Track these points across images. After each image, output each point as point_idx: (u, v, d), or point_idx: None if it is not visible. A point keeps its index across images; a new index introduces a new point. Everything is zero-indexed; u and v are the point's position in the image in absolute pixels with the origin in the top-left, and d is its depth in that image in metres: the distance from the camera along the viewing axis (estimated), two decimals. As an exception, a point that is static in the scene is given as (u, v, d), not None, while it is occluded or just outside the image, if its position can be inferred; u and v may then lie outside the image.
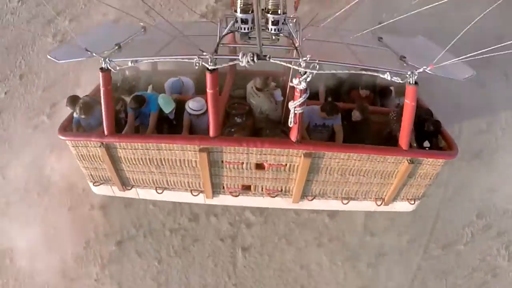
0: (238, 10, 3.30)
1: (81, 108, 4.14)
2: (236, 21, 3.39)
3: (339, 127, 4.31)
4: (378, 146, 3.88)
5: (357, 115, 4.29)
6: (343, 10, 3.33)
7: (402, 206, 4.49)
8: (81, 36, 3.61)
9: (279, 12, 3.30)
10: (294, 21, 3.61)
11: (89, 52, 3.41)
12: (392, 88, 5.03)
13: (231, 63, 3.27)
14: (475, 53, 2.78)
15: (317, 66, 3.08)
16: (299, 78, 3.17)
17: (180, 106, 4.48)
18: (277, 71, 5.00)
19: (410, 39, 4.46)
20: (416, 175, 4.05)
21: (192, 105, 4.25)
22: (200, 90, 4.60)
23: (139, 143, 3.88)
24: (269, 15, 3.33)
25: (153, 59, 3.72)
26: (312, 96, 4.44)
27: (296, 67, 3.14)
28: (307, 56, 3.03)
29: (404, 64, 3.60)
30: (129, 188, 4.46)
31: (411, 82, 3.31)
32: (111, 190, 4.55)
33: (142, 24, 4.67)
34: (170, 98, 4.39)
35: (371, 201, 4.40)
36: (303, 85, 3.19)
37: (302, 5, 4.41)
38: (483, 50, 2.69)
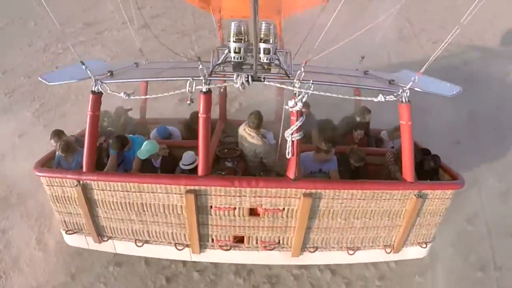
0: (232, 39, 3.31)
1: (61, 146, 3.89)
2: (229, 51, 3.38)
3: (335, 172, 4.09)
4: (382, 181, 3.60)
5: (352, 163, 4.15)
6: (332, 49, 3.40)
7: (414, 252, 4.05)
8: (74, 64, 3.54)
9: (270, 41, 3.32)
10: (285, 53, 3.64)
11: (80, 75, 3.30)
12: (385, 131, 5.03)
13: (225, 84, 3.15)
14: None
15: (311, 86, 2.98)
16: (294, 99, 3.04)
17: (167, 156, 4.26)
18: (269, 120, 4.94)
19: (395, 73, 4.57)
20: (425, 212, 3.73)
21: (184, 159, 4.02)
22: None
23: (119, 183, 3.49)
24: (261, 44, 3.35)
25: (146, 80, 3.59)
26: (304, 141, 4.34)
27: (291, 88, 3.03)
28: (301, 68, 2.95)
29: (394, 86, 3.59)
30: (105, 239, 3.91)
31: (403, 101, 3.27)
32: (85, 242, 4.00)
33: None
34: (154, 142, 4.13)
35: (379, 249, 3.92)
36: (298, 106, 3.05)
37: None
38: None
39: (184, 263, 4.56)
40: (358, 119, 4.89)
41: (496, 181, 5.99)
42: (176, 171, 4.15)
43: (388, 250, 3.92)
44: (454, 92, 3.39)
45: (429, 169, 4.06)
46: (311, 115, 5.17)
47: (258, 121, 4.05)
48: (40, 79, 3.34)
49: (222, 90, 4.44)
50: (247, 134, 4.15)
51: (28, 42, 10.30)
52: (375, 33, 4.76)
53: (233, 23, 3.35)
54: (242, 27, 3.35)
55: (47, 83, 3.33)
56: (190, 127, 4.97)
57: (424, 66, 3.02)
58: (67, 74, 3.58)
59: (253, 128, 4.09)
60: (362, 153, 4.15)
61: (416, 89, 3.27)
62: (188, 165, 4.00)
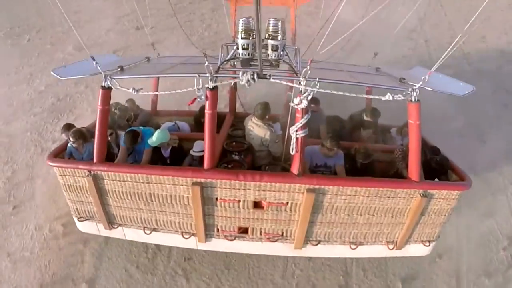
0: (240, 35, 3.33)
1: (73, 133, 4.03)
2: (237, 48, 3.40)
3: (341, 167, 4.10)
4: (387, 179, 3.61)
5: (359, 159, 4.14)
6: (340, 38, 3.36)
7: (417, 249, 4.04)
8: (85, 59, 3.62)
9: (278, 38, 3.33)
10: (294, 49, 3.64)
11: (91, 70, 3.38)
12: (394, 129, 4.98)
13: (231, 81, 3.19)
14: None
15: (317, 84, 2.99)
16: (300, 97, 3.06)
17: (177, 147, 4.36)
18: (276, 114, 4.97)
19: (407, 69, 4.49)
20: (430, 211, 3.71)
21: (195, 147, 4.14)
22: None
23: (128, 174, 3.61)
24: (269, 40, 3.36)
25: (154, 76, 3.65)
26: (313, 136, 4.35)
27: (297, 85, 3.05)
28: (307, 66, 2.95)
29: (405, 84, 3.53)
30: (115, 226, 4.07)
31: (413, 100, 3.22)
32: (97, 228, 4.17)
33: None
34: (162, 132, 4.23)
35: (382, 245, 3.95)
36: (304, 104, 3.07)
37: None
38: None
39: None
40: (366, 118, 4.87)
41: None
42: (184, 161, 4.25)
43: (391, 246, 3.94)
44: (467, 92, 3.28)
45: (437, 167, 4.03)
46: (321, 111, 5.17)
47: (264, 111, 4.10)
48: (52, 73, 3.44)
49: (232, 84, 4.47)
50: (254, 123, 4.20)
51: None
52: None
53: (241, 20, 3.37)
54: (251, 23, 3.36)
55: (60, 77, 3.43)
56: (199, 120, 5.06)
57: (435, 65, 2.96)
58: (78, 69, 3.66)
59: (259, 118, 4.14)
60: (369, 150, 4.14)
61: (426, 88, 3.20)
62: (198, 152, 4.10)
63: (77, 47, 9.40)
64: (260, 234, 3.91)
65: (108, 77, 3.38)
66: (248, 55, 3.42)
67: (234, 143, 4.48)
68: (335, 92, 3.06)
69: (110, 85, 3.40)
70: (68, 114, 7.30)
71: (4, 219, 5.25)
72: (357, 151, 4.17)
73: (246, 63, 3.46)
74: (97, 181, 3.68)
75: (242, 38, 3.36)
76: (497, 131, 6.82)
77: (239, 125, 5.01)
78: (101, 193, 3.77)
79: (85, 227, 4.23)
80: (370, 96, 3.31)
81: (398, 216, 3.72)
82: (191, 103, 3.24)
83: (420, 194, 3.52)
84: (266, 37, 3.41)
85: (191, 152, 4.15)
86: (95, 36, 10.20)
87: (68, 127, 4.31)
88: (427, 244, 4.00)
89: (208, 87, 3.19)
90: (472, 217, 5.25)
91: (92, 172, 3.64)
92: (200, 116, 5.05)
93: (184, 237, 3.97)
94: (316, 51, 3.66)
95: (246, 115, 5.08)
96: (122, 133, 4.24)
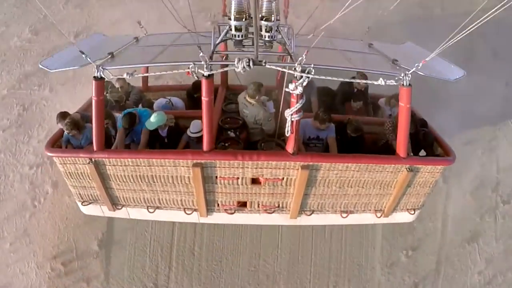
0: (232, 17, 3.29)
1: (68, 124, 4.00)
2: (230, 29, 3.37)
3: (332, 139, 4.26)
4: (376, 155, 3.81)
5: (349, 132, 4.27)
6: (335, 18, 3.34)
7: (402, 216, 4.38)
8: (72, 46, 3.52)
9: (272, 19, 3.30)
10: (287, 29, 3.63)
11: (81, 61, 3.30)
12: (382, 99, 5.10)
13: (226, 69, 3.21)
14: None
15: (313, 70, 3.04)
16: (295, 83, 3.12)
17: (173, 126, 4.40)
18: (270, 85, 5.00)
19: (399, 45, 4.52)
20: (415, 183, 3.98)
21: (192, 127, 4.18)
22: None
23: (129, 159, 3.71)
24: (262, 22, 3.33)
25: (147, 65, 3.63)
26: (305, 108, 4.45)
27: (292, 72, 3.10)
28: (302, 55, 2.99)
29: (397, 67, 3.60)
30: (119, 207, 4.24)
31: (404, 84, 3.30)
32: (101, 210, 4.33)
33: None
34: (160, 115, 4.27)
35: (370, 213, 4.28)
36: (299, 90, 3.15)
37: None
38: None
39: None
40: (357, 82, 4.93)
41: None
42: (182, 138, 4.34)
43: (379, 214, 4.27)
44: (458, 77, 3.38)
45: (422, 140, 4.23)
46: (312, 82, 5.21)
47: (257, 91, 4.13)
48: (40, 66, 3.36)
49: (224, 58, 4.44)
50: (247, 102, 4.26)
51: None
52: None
53: (233, 0, 3.30)
54: (243, 4, 3.31)
55: (48, 70, 3.37)
56: (192, 95, 5.06)
57: (429, 56, 2.99)
58: (67, 59, 3.55)
59: (251, 97, 4.19)
60: (359, 124, 4.27)
61: (419, 72, 3.25)
62: (195, 133, 4.17)
63: (34, 30, 7.91)
64: (258, 206, 4.16)
65: (100, 68, 3.33)
66: (242, 36, 3.40)
67: (229, 119, 4.56)
68: (329, 78, 3.12)
69: (102, 76, 3.36)
70: (38, 129, 6.77)
71: (4, 256, 5.36)
72: (349, 122, 4.31)
73: (240, 44, 3.45)
74: (98, 167, 3.77)
75: (235, 19, 3.32)
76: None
77: (232, 98, 5.04)
78: (103, 178, 3.87)
79: (89, 210, 4.37)
80: (363, 81, 3.38)
81: (386, 188, 3.99)
82: (189, 74, 3.21)
83: (406, 168, 3.74)
84: (259, 17, 3.38)
85: (189, 133, 4.21)
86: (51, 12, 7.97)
87: (63, 115, 4.27)
88: (412, 212, 4.34)
89: (203, 75, 3.20)
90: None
91: (93, 159, 3.71)
92: (193, 91, 5.05)
93: (187, 213, 4.20)
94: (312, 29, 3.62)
95: (239, 87, 5.10)
96: (118, 115, 4.27)
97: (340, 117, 4.56)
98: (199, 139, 3.97)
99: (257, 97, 4.17)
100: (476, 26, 2.61)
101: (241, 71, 3.13)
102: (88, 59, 3.24)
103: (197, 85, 4.74)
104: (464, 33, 2.73)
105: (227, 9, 3.65)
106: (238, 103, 4.51)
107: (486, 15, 2.55)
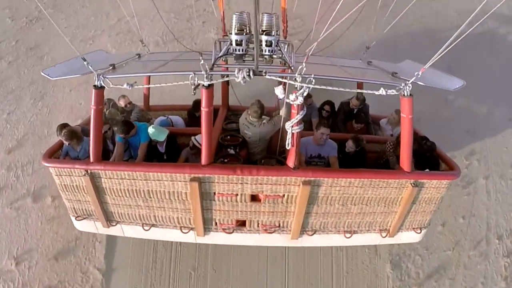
0: (233, 31, 3.34)
1: (65, 134, 4.00)
2: (231, 44, 3.41)
3: (334, 158, 4.20)
4: (380, 169, 3.72)
5: (351, 145, 4.23)
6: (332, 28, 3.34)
7: (408, 236, 4.20)
8: (75, 57, 3.57)
9: (272, 34, 3.35)
10: (287, 45, 3.67)
11: (82, 70, 3.33)
12: (384, 119, 5.10)
13: (226, 79, 3.21)
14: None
15: (313, 81, 3.03)
16: (295, 93, 3.10)
17: (171, 140, 4.37)
18: (270, 107, 5.01)
19: (398, 63, 4.56)
20: (421, 200, 3.85)
21: (198, 137, 4.06)
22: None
23: (125, 172, 3.62)
24: (263, 36, 3.38)
25: (147, 74, 3.63)
26: (306, 128, 4.42)
27: (292, 82, 3.09)
28: (302, 63, 2.99)
29: (397, 79, 3.60)
30: (114, 224, 4.09)
31: (405, 94, 3.28)
32: (94, 226, 4.18)
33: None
34: (161, 127, 4.25)
35: (375, 233, 4.10)
36: (299, 100, 3.12)
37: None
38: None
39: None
40: (353, 103, 4.97)
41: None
42: (181, 154, 4.28)
43: (384, 234, 4.09)
44: (457, 86, 3.37)
45: (428, 151, 4.12)
46: (313, 104, 5.26)
47: (260, 111, 4.15)
48: (42, 73, 3.39)
49: (224, 77, 4.50)
50: (249, 123, 4.26)
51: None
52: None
53: (234, 15, 3.37)
54: (245, 19, 3.37)
55: (50, 78, 3.38)
56: (193, 114, 5.07)
57: (428, 63, 3.00)
58: (69, 68, 3.60)
59: (256, 118, 4.20)
60: (360, 137, 4.23)
61: (419, 82, 3.25)
62: (198, 142, 4.03)
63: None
64: (258, 226, 4.00)
65: (100, 77, 3.35)
66: (242, 50, 3.43)
67: (229, 137, 4.53)
68: (330, 88, 3.11)
69: (102, 85, 3.37)
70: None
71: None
72: (351, 139, 4.26)
73: (240, 58, 3.48)
74: (94, 179, 3.68)
75: (236, 33, 3.37)
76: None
77: (233, 118, 5.05)
78: (98, 192, 3.78)
79: (83, 226, 4.24)
80: (364, 91, 3.37)
81: (391, 205, 3.85)
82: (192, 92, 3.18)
83: (411, 184, 3.64)
84: (260, 32, 3.43)
85: (193, 139, 4.10)
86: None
87: (62, 127, 4.27)
88: (418, 231, 4.16)
89: (203, 85, 3.20)
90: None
91: (89, 171, 3.64)
92: (194, 110, 5.06)
93: (183, 232, 4.03)
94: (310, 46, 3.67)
95: (240, 108, 5.11)
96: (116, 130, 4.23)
97: (342, 135, 4.51)
98: (198, 153, 3.90)
99: (261, 116, 4.18)
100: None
101: (242, 81, 3.13)
102: (90, 67, 3.26)
103: (197, 104, 4.76)
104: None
105: (227, 25, 3.71)
106: (239, 124, 4.51)
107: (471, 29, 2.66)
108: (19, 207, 5.95)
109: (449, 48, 2.76)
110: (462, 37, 2.69)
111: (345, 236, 4.09)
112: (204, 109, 3.32)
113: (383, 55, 5.16)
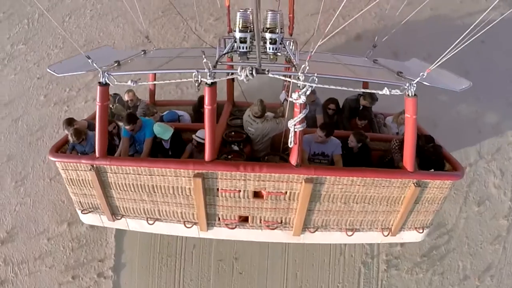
0: (237, 29, 3.34)
1: (72, 134, 4.07)
2: (235, 41, 3.42)
3: (338, 156, 4.20)
4: (382, 168, 3.71)
5: (352, 140, 4.21)
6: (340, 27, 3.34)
7: (411, 236, 4.20)
8: (80, 54, 3.62)
9: (276, 31, 3.35)
10: (292, 42, 3.66)
11: (87, 67, 3.36)
12: (390, 117, 5.06)
13: (229, 77, 3.22)
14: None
15: (316, 79, 3.03)
16: (298, 92, 3.11)
17: (176, 136, 4.40)
18: (275, 103, 5.02)
19: (404, 62, 4.52)
20: (423, 200, 3.84)
21: (199, 133, 4.16)
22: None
23: (130, 167, 3.68)
24: (267, 34, 3.38)
25: (151, 72, 3.66)
26: (310, 125, 4.42)
27: (295, 81, 3.09)
28: (305, 61, 2.98)
29: (402, 78, 3.57)
30: (119, 217, 4.17)
31: (410, 94, 3.25)
32: (100, 220, 4.27)
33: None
34: (167, 125, 4.30)
35: (377, 231, 4.11)
36: (302, 99, 3.12)
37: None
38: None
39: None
40: (363, 102, 4.94)
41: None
42: (186, 149, 4.33)
43: (386, 233, 4.09)
44: (463, 87, 3.32)
45: (432, 153, 4.11)
46: (317, 101, 5.24)
47: (261, 113, 4.20)
48: (48, 70, 3.43)
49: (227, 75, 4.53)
50: (252, 120, 4.28)
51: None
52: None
53: (238, 13, 3.37)
54: (249, 16, 3.37)
55: (56, 74, 3.43)
56: (198, 110, 5.10)
57: (433, 64, 2.96)
58: (75, 65, 3.63)
59: (258, 117, 4.23)
60: (363, 133, 4.23)
61: (424, 83, 3.21)
62: (201, 138, 4.11)
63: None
64: (260, 222, 4.03)
65: (105, 73, 3.38)
66: (246, 48, 3.44)
67: (233, 133, 4.55)
68: (333, 87, 3.10)
69: (107, 82, 3.40)
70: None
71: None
72: (352, 134, 4.25)
73: (245, 56, 3.48)
74: (100, 174, 3.75)
75: (240, 31, 3.37)
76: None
77: (238, 114, 5.07)
78: (104, 186, 3.85)
79: (88, 219, 4.33)
80: (367, 90, 3.35)
81: (393, 204, 3.85)
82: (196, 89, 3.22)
83: (414, 183, 3.63)
84: (264, 30, 3.43)
85: (194, 136, 4.16)
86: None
87: (69, 122, 4.34)
88: (421, 231, 4.15)
89: (206, 83, 3.22)
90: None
91: (94, 166, 3.70)
92: (199, 106, 5.09)
93: (187, 227, 4.09)
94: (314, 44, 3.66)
95: (245, 104, 5.12)
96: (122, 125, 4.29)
97: (346, 133, 4.51)
98: (202, 149, 3.94)
99: (263, 115, 4.20)
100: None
101: (244, 79, 3.14)
102: (94, 64, 3.30)
103: (202, 100, 4.78)
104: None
105: (232, 23, 3.71)
106: (243, 121, 4.54)
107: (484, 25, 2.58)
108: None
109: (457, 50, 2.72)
110: (471, 39, 2.66)
111: (347, 234, 4.10)
112: (207, 106, 3.34)
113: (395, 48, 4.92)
